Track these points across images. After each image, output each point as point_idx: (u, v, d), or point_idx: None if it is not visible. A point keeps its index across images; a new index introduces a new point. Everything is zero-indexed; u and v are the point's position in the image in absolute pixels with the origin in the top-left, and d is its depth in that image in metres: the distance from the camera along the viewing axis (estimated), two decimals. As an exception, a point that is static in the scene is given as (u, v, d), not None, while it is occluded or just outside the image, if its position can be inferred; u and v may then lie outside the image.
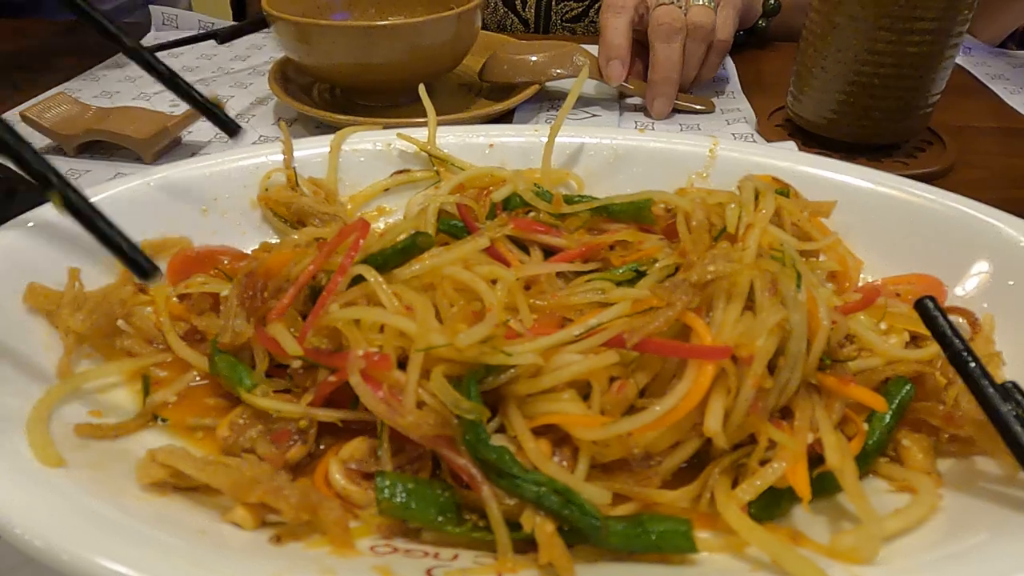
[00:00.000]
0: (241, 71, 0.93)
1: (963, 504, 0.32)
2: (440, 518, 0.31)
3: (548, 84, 0.79)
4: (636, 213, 0.47)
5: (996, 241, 0.44)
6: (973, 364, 0.31)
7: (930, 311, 0.33)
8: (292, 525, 0.30)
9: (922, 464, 0.35)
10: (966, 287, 0.44)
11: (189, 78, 0.90)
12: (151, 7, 1.05)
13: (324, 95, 0.81)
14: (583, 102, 0.91)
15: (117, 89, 0.88)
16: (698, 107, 0.79)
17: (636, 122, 0.78)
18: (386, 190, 0.56)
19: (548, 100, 0.83)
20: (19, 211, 0.52)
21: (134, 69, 0.92)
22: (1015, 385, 0.31)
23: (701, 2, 0.75)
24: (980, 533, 0.29)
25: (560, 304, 0.38)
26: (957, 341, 0.32)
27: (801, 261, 0.37)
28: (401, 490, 0.31)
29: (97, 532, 0.27)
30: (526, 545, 0.30)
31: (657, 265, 0.42)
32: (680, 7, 0.74)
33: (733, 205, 0.43)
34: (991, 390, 0.30)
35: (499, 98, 0.77)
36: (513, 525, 0.31)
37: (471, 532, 0.31)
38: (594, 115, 0.81)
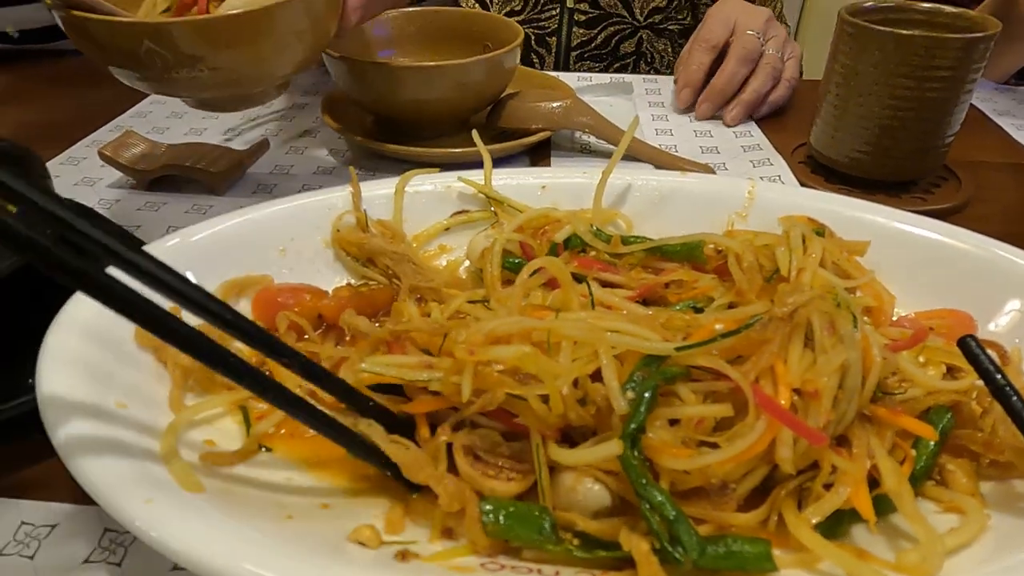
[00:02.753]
0: (285, 105, 0.97)
1: (1007, 523, 0.36)
2: (539, 537, 0.35)
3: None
4: (688, 253, 0.51)
5: None
6: (1015, 398, 0.35)
7: (972, 349, 0.37)
8: (409, 544, 0.34)
9: (966, 487, 0.39)
10: (999, 323, 0.48)
11: (233, 116, 0.95)
12: None
13: (372, 126, 0.86)
14: (599, 91, 0.99)
15: (167, 125, 0.92)
16: (693, 168, 0.77)
17: (653, 115, 0.93)
18: (446, 229, 0.60)
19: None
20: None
21: (179, 105, 0.98)
22: (1053, 416, 0.35)
23: (771, 51, 0.89)
24: (1029, 550, 0.33)
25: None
26: (999, 377, 0.36)
27: (854, 303, 0.41)
28: (504, 514, 0.35)
29: (248, 550, 0.31)
30: (621, 563, 0.34)
31: (715, 303, 0.46)
32: (761, 43, 0.89)
33: (783, 248, 0.46)
34: (1034, 422, 0.34)
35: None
36: (606, 544, 0.35)
37: (568, 550, 0.35)
38: (610, 105, 0.92)
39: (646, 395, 0.36)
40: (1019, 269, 0.48)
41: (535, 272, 0.48)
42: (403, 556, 0.33)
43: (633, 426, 0.35)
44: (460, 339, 0.37)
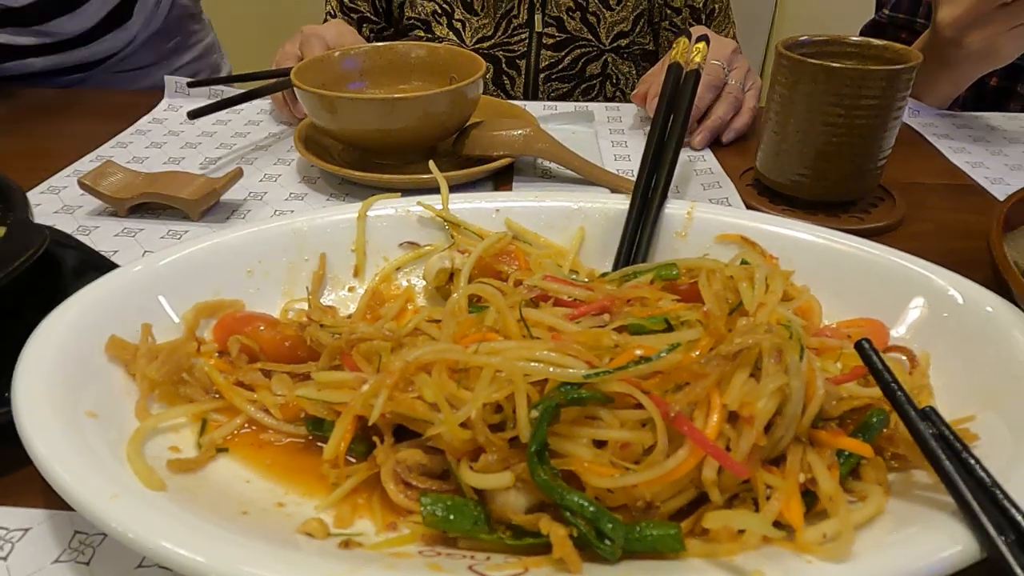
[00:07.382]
0: (260, 136, 1.01)
1: (902, 507, 0.39)
2: (474, 527, 0.38)
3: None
4: (658, 274, 0.53)
5: (929, 290, 0.53)
6: (900, 393, 0.39)
7: (866, 350, 0.41)
8: (355, 536, 0.37)
9: (874, 477, 0.42)
10: (904, 329, 0.52)
11: (208, 143, 0.99)
12: (166, 76, 1.13)
13: (344, 155, 0.90)
14: (562, 119, 1.04)
15: (146, 155, 0.96)
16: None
17: (613, 142, 0.98)
18: (398, 269, 0.63)
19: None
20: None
21: (158, 136, 1.02)
22: (933, 410, 0.39)
23: (733, 81, 0.97)
24: (912, 527, 0.36)
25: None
26: (887, 375, 0.40)
27: (805, 336, 0.42)
28: (442, 506, 0.38)
29: (199, 539, 0.34)
30: (547, 548, 0.37)
31: (683, 321, 0.45)
32: (726, 73, 0.97)
33: (745, 284, 0.49)
34: (913, 414, 0.38)
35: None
36: (532, 535, 0.38)
37: (500, 539, 0.38)
38: (572, 132, 0.98)
39: (544, 415, 0.38)
40: (922, 278, 0.52)
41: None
42: (346, 544, 0.36)
43: (534, 448, 0.38)
44: (391, 365, 0.41)
